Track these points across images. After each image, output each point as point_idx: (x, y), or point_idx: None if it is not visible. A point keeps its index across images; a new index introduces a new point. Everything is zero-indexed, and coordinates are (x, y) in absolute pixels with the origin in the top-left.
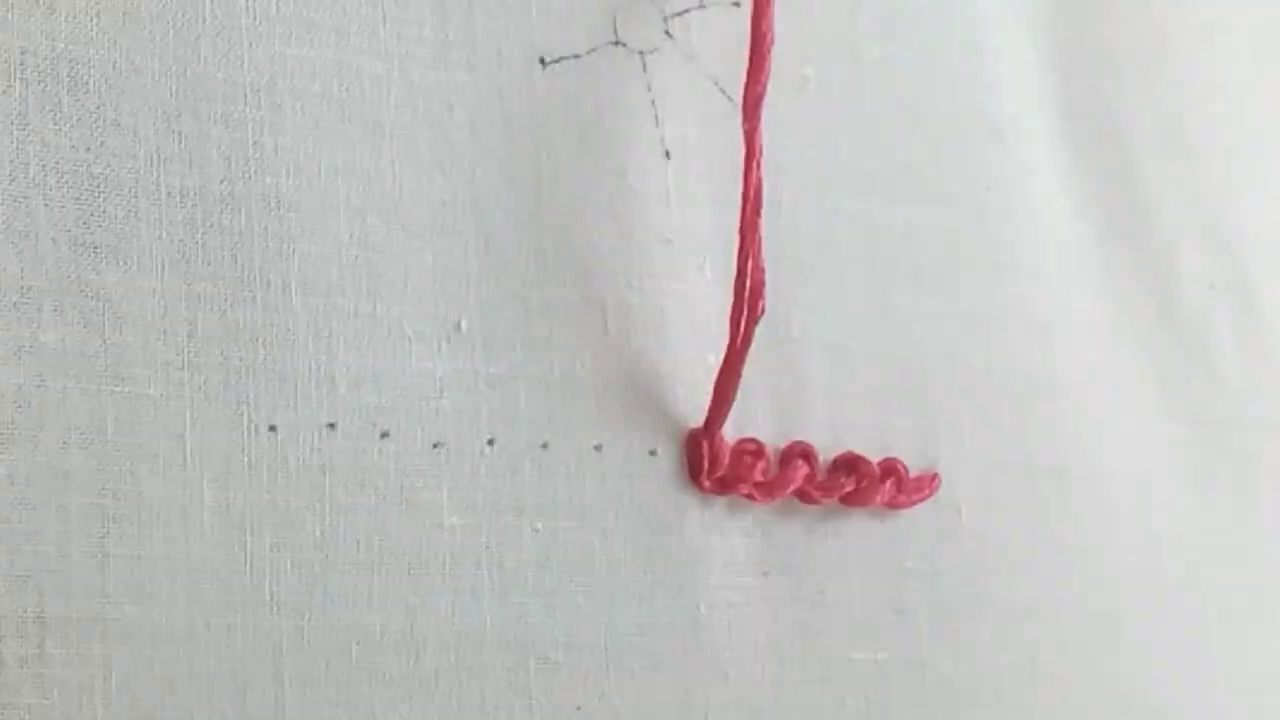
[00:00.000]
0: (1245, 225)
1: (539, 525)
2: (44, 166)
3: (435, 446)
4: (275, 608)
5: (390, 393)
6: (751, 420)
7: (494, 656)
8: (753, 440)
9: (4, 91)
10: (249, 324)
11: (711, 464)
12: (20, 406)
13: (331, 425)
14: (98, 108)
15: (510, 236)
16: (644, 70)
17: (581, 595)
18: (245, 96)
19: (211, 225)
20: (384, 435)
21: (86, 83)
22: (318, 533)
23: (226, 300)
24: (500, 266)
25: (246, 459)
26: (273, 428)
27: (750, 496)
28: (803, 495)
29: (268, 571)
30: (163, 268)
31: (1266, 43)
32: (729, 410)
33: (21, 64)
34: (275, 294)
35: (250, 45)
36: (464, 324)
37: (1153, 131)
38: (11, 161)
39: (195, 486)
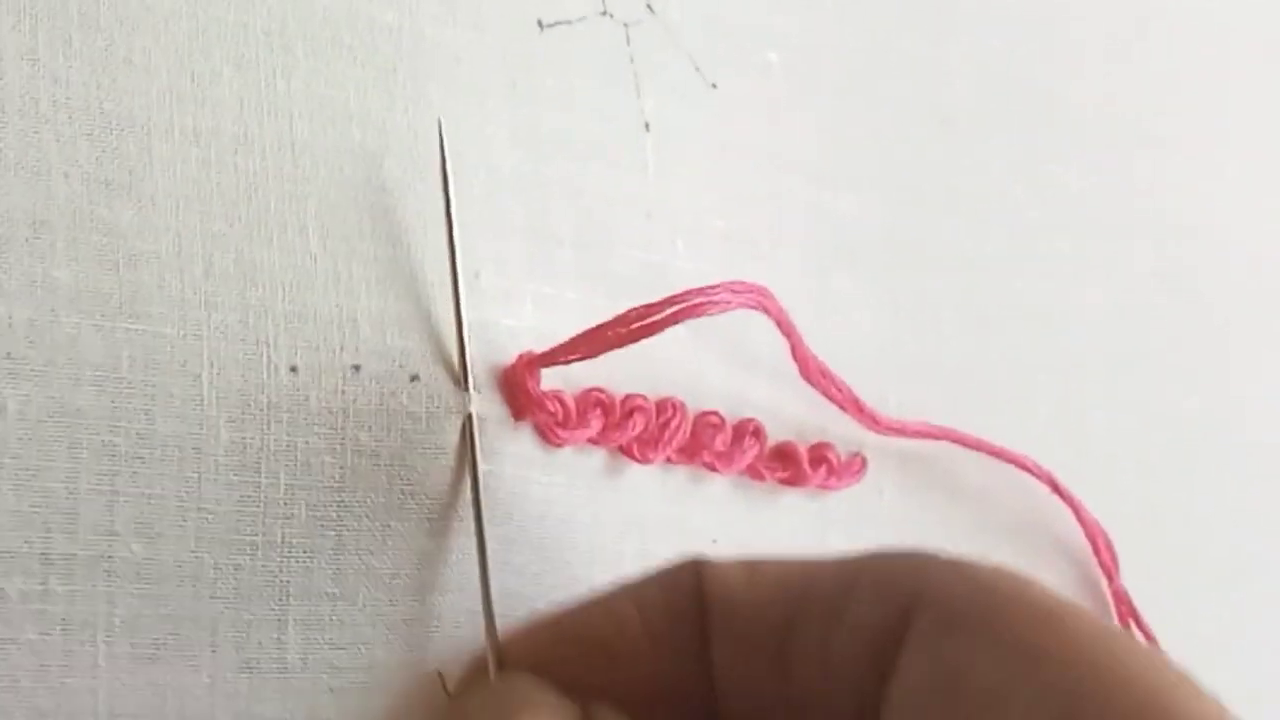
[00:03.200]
0: (1193, 219)
1: (552, 480)
2: (55, 102)
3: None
4: (287, 551)
5: (416, 338)
6: (708, 393)
7: (499, 603)
8: (715, 413)
9: (13, 28)
10: (266, 264)
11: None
12: (32, 342)
13: (356, 367)
14: (108, 45)
15: (516, 193)
16: (627, 42)
17: (566, 549)
18: (257, 39)
19: (225, 165)
20: (414, 378)
21: (97, 19)
22: (337, 477)
23: (243, 240)
24: (507, 223)
25: (266, 400)
26: (293, 369)
27: (710, 466)
28: (752, 472)
29: (281, 515)
30: (177, 206)
31: (1220, 32)
32: (566, 359)
33: (31, 1)
34: (292, 235)
35: None
36: (483, 275)
37: (1110, 126)
38: (22, 96)
39: (210, 427)
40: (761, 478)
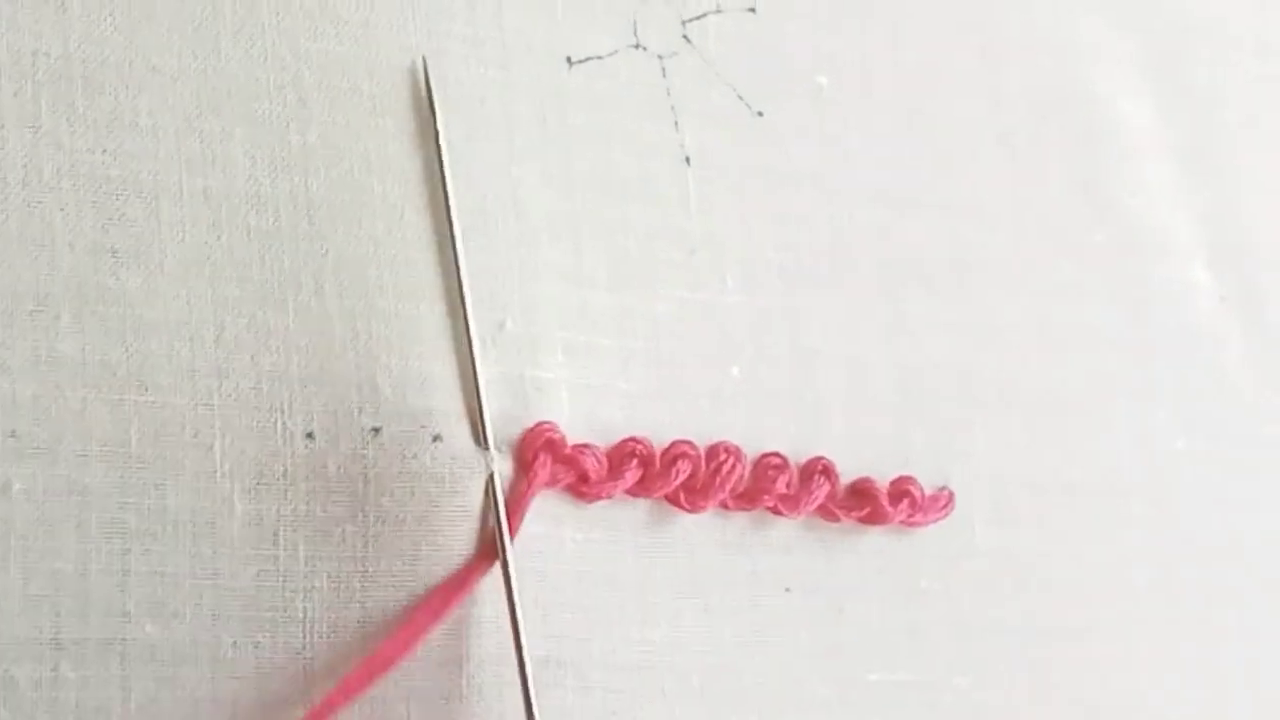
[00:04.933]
0: (1256, 239)
1: (588, 536)
2: (58, 170)
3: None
4: (309, 626)
5: (439, 396)
6: (771, 433)
7: (534, 673)
8: (776, 455)
9: (15, 94)
10: (280, 328)
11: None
12: (37, 419)
13: (375, 430)
14: (114, 109)
15: (546, 236)
16: (664, 75)
17: (614, 610)
18: (270, 94)
19: (237, 226)
20: (436, 439)
21: (101, 83)
22: (359, 545)
23: (255, 304)
24: (540, 266)
25: (281, 469)
26: (309, 435)
27: (775, 510)
28: (825, 512)
29: (301, 588)
30: (186, 271)
31: (1277, 55)
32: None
33: (34, 66)
34: (307, 296)
35: (273, 41)
36: (509, 324)
37: (1165, 144)
38: (25, 166)
39: (224, 499)
40: (836, 518)
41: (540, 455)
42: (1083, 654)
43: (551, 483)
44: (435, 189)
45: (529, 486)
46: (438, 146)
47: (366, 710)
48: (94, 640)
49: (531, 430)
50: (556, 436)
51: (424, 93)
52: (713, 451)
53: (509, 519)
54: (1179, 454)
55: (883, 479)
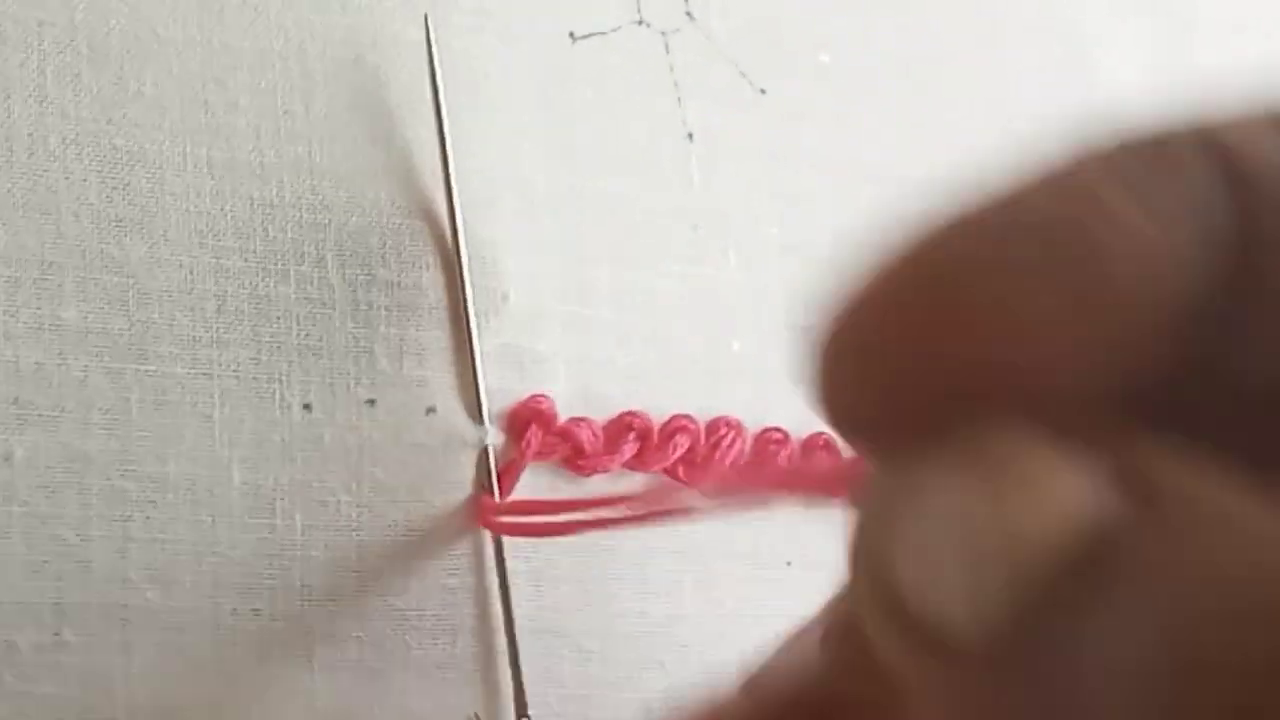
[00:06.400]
0: None
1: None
2: (64, 139)
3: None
4: (306, 594)
5: (435, 367)
6: (772, 410)
7: (530, 643)
8: (778, 429)
9: (20, 64)
10: (281, 298)
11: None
12: (40, 386)
13: (371, 401)
14: (119, 79)
15: (548, 212)
16: (667, 51)
17: (614, 585)
18: (274, 65)
19: (240, 197)
20: (430, 410)
21: (107, 53)
22: (354, 515)
23: (257, 274)
24: (539, 242)
25: (279, 439)
26: (307, 406)
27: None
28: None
29: (299, 556)
30: (189, 241)
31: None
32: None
33: (40, 36)
34: (309, 266)
35: (278, 12)
36: (511, 296)
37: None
38: (30, 135)
39: (223, 468)
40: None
41: (531, 426)
42: None
43: (544, 455)
44: (436, 154)
45: (521, 458)
46: (437, 105)
47: (366, 681)
48: (95, 605)
49: (522, 403)
50: (546, 408)
51: (426, 50)
52: (713, 426)
53: (500, 491)
54: None
55: None
